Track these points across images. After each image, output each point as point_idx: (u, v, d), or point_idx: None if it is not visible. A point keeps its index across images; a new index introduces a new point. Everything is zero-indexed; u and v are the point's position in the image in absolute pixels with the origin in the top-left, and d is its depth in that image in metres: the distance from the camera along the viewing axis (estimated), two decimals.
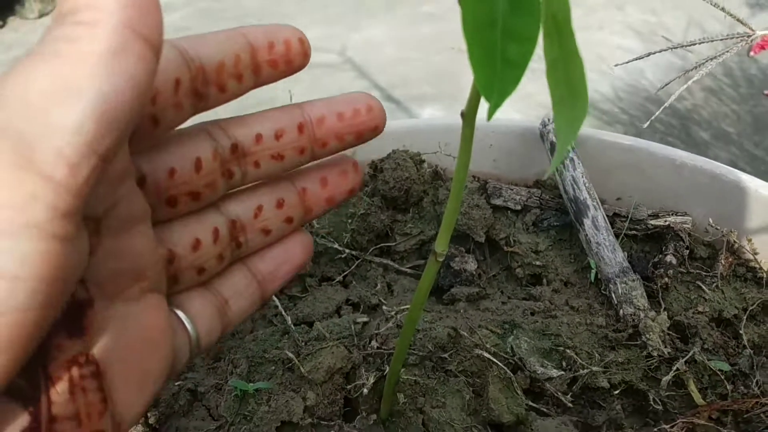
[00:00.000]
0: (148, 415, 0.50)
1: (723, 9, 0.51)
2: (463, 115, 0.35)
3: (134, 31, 0.20)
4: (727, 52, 0.52)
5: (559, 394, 0.47)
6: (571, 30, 0.27)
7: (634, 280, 0.53)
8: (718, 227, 0.56)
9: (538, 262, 0.58)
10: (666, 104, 0.54)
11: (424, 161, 0.63)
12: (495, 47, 0.26)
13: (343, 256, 0.60)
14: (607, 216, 0.58)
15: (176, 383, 0.51)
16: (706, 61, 0.52)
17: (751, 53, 1.68)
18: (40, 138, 0.18)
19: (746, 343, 0.51)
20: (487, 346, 0.49)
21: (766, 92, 1.54)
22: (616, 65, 0.63)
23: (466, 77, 1.74)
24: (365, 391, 0.46)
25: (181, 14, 2.24)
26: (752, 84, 1.58)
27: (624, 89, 1.59)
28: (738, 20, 0.52)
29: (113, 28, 0.19)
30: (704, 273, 0.56)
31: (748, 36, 0.52)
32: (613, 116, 1.51)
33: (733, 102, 1.55)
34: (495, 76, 0.26)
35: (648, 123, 0.63)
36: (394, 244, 0.61)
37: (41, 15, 2.39)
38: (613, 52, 1.72)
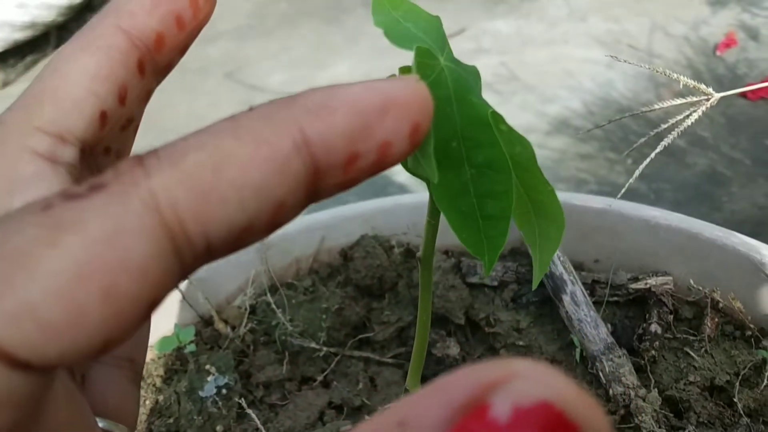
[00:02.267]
0: None
1: (679, 77, 0.50)
2: (419, 259, 0.34)
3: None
4: (689, 115, 0.50)
5: None
6: (535, 166, 0.26)
7: (620, 357, 0.51)
8: (701, 287, 0.55)
9: (521, 342, 0.56)
10: (636, 173, 0.53)
11: (393, 246, 0.61)
12: (473, 209, 0.26)
13: (321, 354, 0.58)
14: (586, 284, 0.57)
15: None
16: (670, 126, 0.51)
17: (717, 52, 1.67)
18: None
19: (742, 411, 0.49)
20: None
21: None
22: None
23: None
24: None
25: None
26: (722, 84, 1.57)
27: (596, 103, 1.58)
28: (695, 87, 0.50)
29: None
30: (691, 337, 0.54)
31: (707, 99, 0.51)
32: (587, 132, 1.50)
33: None
34: (480, 235, 0.26)
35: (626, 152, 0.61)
36: (372, 334, 0.60)
37: (4, 85, 2.37)
38: (579, 65, 1.72)
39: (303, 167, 0.16)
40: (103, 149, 0.23)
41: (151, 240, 0.14)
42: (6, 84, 2.38)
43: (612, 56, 0.52)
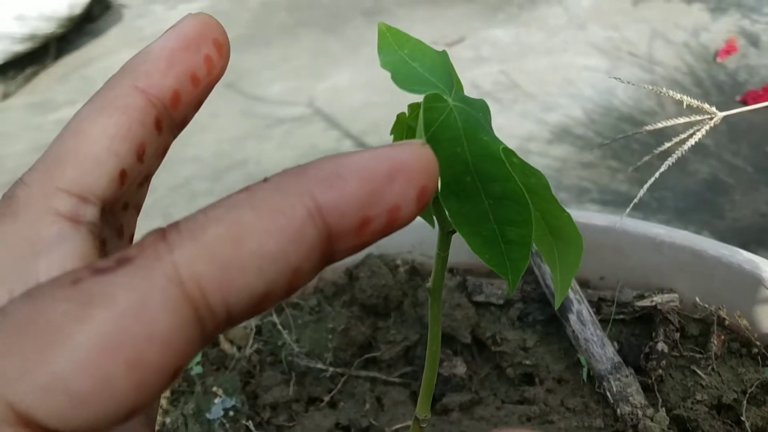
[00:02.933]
0: None
1: (682, 98, 0.50)
2: (429, 290, 0.34)
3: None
4: (693, 134, 0.50)
5: None
6: (550, 195, 0.26)
7: (627, 376, 0.51)
8: (706, 305, 0.55)
9: (527, 361, 0.56)
10: (642, 191, 0.53)
11: (398, 265, 0.61)
12: (494, 234, 0.27)
13: (328, 374, 0.58)
14: (592, 301, 0.57)
15: None
16: (674, 144, 0.51)
17: (718, 58, 1.68)
18: None
19: (749, 429, 0.49)
20: None
21: (738, 98, 1.53)
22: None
23: None
24: None
25: None
26: (723, 91, 1.57)
27: (596, 111, 1.59)
28: (699, 106, 0.51)
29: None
30: (698, 355, 0.54)
31: (710, 118, 0.51)
32: (588, 140, 1.50)
33: None
34: (503, 257, 0.27)
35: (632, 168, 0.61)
36: (379, 353, 0.60)
37: (5, 97, 2.37)
38: (580, 73, 1.72)
39: (317, 234, 0.16)
40: (121, 205, 0.23)
41: (175, 312, 0.15)
42: (6, 96, 2.38)
43: (616, 78, 0.52)
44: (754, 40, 1.71)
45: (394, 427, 0.53)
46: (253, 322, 0.61)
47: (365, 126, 1.76)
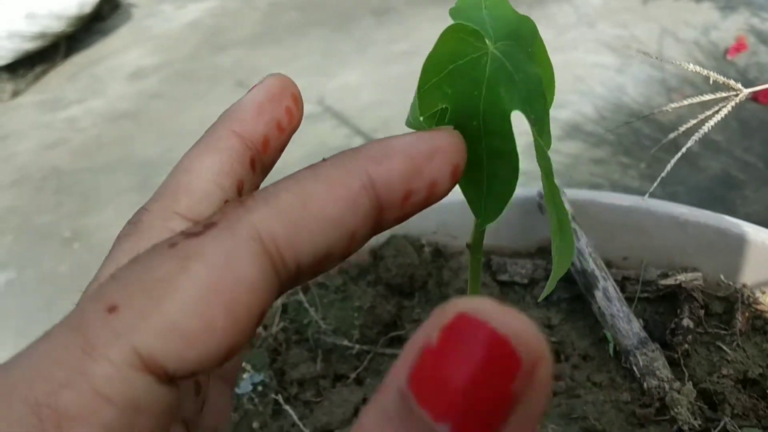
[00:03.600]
0: None
1: (709, 73, 0.51)
2: (469, 246, 0.34)
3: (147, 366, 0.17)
4: (718, 112, 0.51)
5: None
6: (554, 185, 0.27)
7: (654, 351, 0.52)
8: (731, 282, 0.56)
9: (553, 338, 0.57)
10: (659, 179, 0.53)
11: (423, 245, 0.62)
12: (480, 181, 0.27)
13: (353, 352, 0.59)
14: (617, 281, 0.57)
15: None
16: (691, 128, 0.52)
17: (728, 56, 1.68)
18: None
19: None
20: None
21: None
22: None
23: None
24: None
25: (157, 78, 2.24)
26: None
27: (607, 108, 1.59)
28: (725, 82, 0.51)
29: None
30: (723, 331, 0.54)
31: (736, 94, 0.51)
32: (599, 137, 1.51)
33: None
34: (481, 201, 0.28)
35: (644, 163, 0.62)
36: (404, 332, 0.60)
37: (15, 95, 2.38)
38: (590, 70, 1.72)
39: (370, 203, 0.20)
40: None
41: (257, 263, 0.18)
42: (16, 94, 2.39)
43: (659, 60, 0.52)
44: (763, 38, 1.72)
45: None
46: (279, 300, 0.62)
47: (375, 124, 1.77)
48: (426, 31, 2.15)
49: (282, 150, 0.27)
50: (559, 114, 1.58)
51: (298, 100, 0.26)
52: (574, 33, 1.87)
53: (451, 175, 0.22)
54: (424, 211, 0.69)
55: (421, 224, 0.63)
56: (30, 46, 2.47)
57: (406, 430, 0.14)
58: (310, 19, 2.36)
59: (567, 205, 0.60)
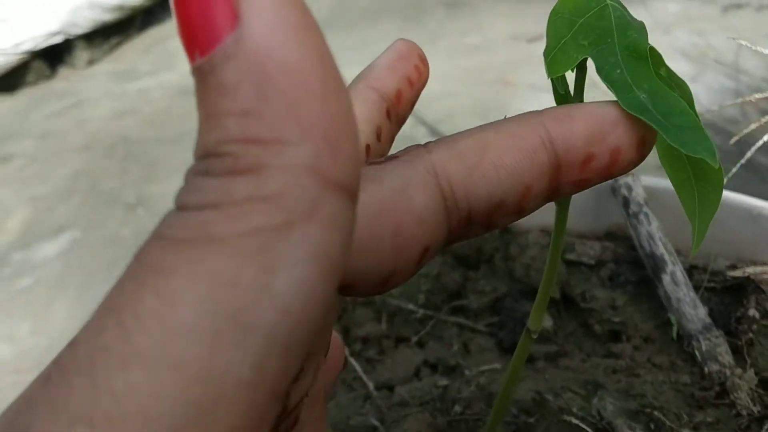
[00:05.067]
0: None
1: None
2: (560, 202, 0.35)
3: (326, 179, 0.14)
4: None
5: None
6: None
7: (717, 337, 0.52)
8: None
9: (616, 318, 0.57)
10: (742, 160, 0.53)
11: None
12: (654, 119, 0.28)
13: (417, 316, 0.61)
14: (684, 269, 0.57)
15: None
16: None
17: None
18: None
19: None
20: (574, 410, 0.49)
21: (737, 100, 1.50)
22: None
23: (511, 109, 1.74)
24: None
25: None
26: None
27: None
28: None
29: (294, 181, 0.13)
30: None
31: None
32: None
33: None
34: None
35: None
36: (467, 302, 0.62)
37: (90, 63, 2.46)
38: None
39: (547, 159, 0.20)
40: None
41: (430, 195, 0.19)
42: (91, 63, 2.47)
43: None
44: None
45: (481, 368, 0.55)
46: None
47: (440, 114, 1.78)
48: (497, 26, 2.16)
49: (414, 103, 0.29)
50: None
51: (424, 60, 0.29)
52: (649, 38, 1.85)
53: (638, 145, 0.21)
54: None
55: None
56: (108, 17, 2.54)
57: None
58: (383, 6, 2.38)
59: (641, 189, 0.60)
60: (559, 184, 0.21)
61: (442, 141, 0.20)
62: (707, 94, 1.65)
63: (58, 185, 1.78)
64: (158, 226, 0.14)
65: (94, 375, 0.12)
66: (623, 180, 0.60)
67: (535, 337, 0.38)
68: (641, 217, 0.58)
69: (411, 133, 1.74)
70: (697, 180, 0.31)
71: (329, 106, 0.14)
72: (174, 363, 0.12)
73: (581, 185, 0.22)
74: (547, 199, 0.21)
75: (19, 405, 0.13)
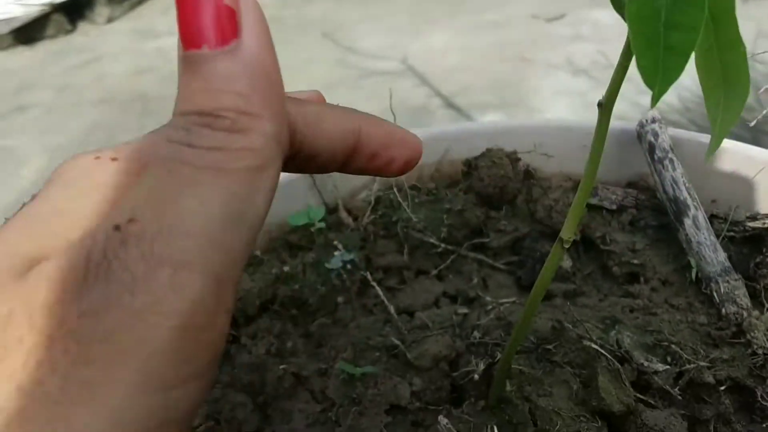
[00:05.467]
0: (256, 397, 0.52)
1: None
2: (600, 104, 0.36)
3: (279, 144, 0.22)
4: None
5: (668, 386, 0.47)
6: (733, 18, 0.28)
7: (736, 280, 0.53)
8: None
9: (635, 261, 0.58)
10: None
11: (520, 159, 0.64)
12: (658, 37, 0.27)
13: (438, 250, 0.61)
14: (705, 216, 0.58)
15: (281, 366, 0.53)
16: None
17: None
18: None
19: None
20: (593, 338, 0.50)
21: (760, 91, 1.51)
22: None
23: (527, 86, 1.75)
24: (476, 377, 0.47)
25: None
26: None
27: (692, 100, 1.58)
28: None
29: (266, 142, 0.21)
30: None
31: None
32: (682, 127, 1.50)
33: None
34: (658, 64, 0.27)
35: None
36: (488, 240, 0.63)
37: (110, 20, 2.46)
38: None
39: (352, 143, 0.28)
40: None
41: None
42: (111, 20, 2.47)
43: None
44: None
45: (500, 300, 0.56)
46: (372, 195, 0.65)
47: (456, 88, 1.78)
48: (518, 5, 2.15)
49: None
50: (642, 100, 1.57)
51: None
52: None
53: (405, 163, 0.30)
54: (519, 131, 0.73)
55: (515, 144, 0.65)
56: None
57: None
58: None
59: (668, 137, 0.61)
60: (350, 161, 0.28)
61: (299, 102, 0.26)
62: None
63: (74, 136, 1.78)
64: (175, 153, 0.20)
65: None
66: (650, 126, 0.61)
67: (567, 246, 0.39)
68: (666, 162, 0.58)
69: (426, 103, 1.75)
70: (726, 87, 0.31)
71: (281, 95, 0.22)
72: (202, 235, 0.19)
73: (361, 171, 0.29)
74: (340, 170, 0.28)
75: None
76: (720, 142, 0.34)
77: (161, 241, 0.18)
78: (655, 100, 0.28)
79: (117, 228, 0.18)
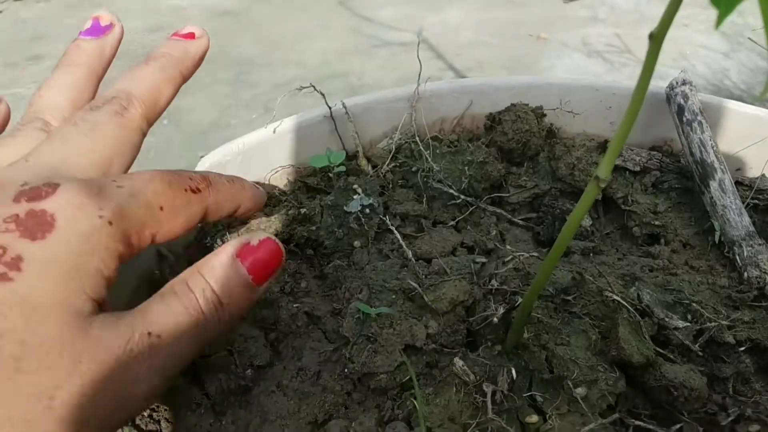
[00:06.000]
0: (268, 333, 0.51)
1: None
2: (651, 36, 0.35)
3: None
4: None
5: (688, 342, 0.47)
6: None
7: (760, 244, 0.53)
8: None
9: (656, 222, 0.57)
10: None
11: (545, 115, 0.63)
12: None
13: (457, 201, 0.61)
14: None
15: (295, 305, 0.53)
16: None
17: None
18: None
19: None
20: (614, 290, 0.49)
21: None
22: None
23: (541, 65, 1.73)
24: (495, 320, 0.47)
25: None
26: None
27: (706, 88, 1.57)
28: None
29: None
30: None
31: None
32: None
33: None
34: None
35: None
36: (507, 195, 0.62)
37: None
38: (696, 50, 1.70)
39: (199, 211, 0.43)
40: None
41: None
42: None
43: None
44: None
45: (518, 253, 0.55)
46: (393, 144, 0.64)
47: (470, 63, 1.77)
48: None
49: None
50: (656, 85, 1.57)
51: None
52: (687, 11, 1.83)
53: (250, 210, 0.50)
54: (544, 89, 0.73)
55: (540, 101, 0.65)
56: None
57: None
58: None
59: (698, 100, 0.60)
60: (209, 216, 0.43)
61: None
62: (738, 71, 1.64)
63: None
64: None
65: None
66: (680, 89, 0.60)
67: (603, 186, 0.38)
68: (695, 125, 0.58)
69: (439, 76, 1.73)
70: None
71: None
72: None
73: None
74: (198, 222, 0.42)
75: None
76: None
77: None
78: (720, 19, 0.27)
79: None
